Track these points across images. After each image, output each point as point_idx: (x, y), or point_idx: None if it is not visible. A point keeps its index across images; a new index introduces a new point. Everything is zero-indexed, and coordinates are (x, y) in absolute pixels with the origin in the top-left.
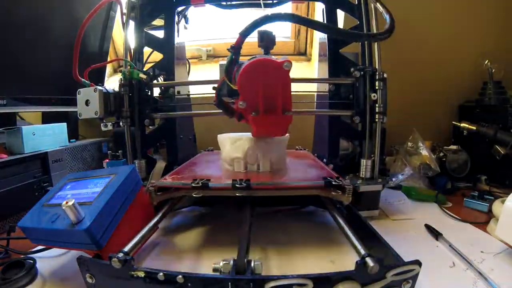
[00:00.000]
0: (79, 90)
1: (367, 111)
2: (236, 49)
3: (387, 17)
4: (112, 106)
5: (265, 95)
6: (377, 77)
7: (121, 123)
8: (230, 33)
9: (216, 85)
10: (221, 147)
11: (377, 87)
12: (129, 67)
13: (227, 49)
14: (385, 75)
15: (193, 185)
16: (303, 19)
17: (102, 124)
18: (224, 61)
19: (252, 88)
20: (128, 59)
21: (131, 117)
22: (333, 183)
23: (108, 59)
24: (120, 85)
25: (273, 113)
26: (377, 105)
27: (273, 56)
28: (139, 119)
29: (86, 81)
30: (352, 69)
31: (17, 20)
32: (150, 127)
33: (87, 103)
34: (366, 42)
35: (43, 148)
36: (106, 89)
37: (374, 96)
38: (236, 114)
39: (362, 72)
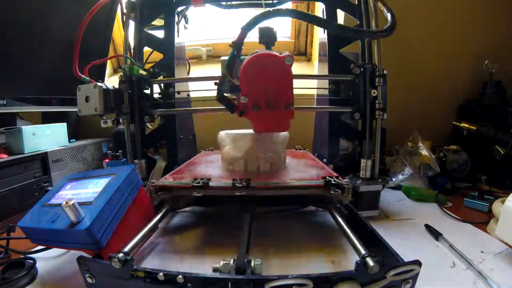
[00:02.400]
0: (79, 86)
1: (367, 108)
2: (237, 44)
3: (388, 15)
4: (112, 103)
5: (267, 90)
6: (377, 74)
7: (120, 120)
8: (230, 33)
9: (217, 81)
10: (220, 147)
11: (377, 84)
12: (129, 62)
13: (229, 45)
14: (385, 72)
15: (194, 184)
16: (304, 14)
17: (102, 121)
18: (225, 57)
19: (253, 83)
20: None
21: (131, 113)
22: (333, 182)
23: (108, 62)
24: (120, 82)
25: (275, 108)
26: (377, 101)
27: (283, 54)
28: (139, 115)
29: (86, 78)
30: (352, 65)
31: (17, 20)
32: (150, 126)
33: (87, 99)
34: (366, 39)
35: (43, 148)
36: (106, 86)
37: (374, 93)
38: (237, 109)
39: (362, 69)
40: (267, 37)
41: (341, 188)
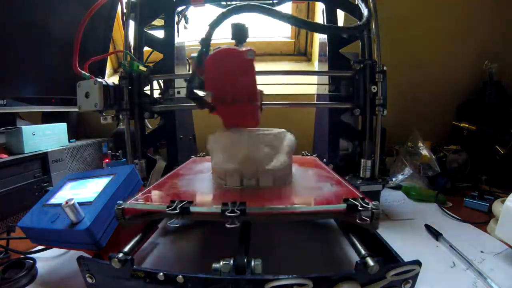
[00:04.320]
0: (79, 82)
1: (367, 104)
2: (205, 41)
3: (365, 11)
4: (112, 99)
5: (231, 85)
6: (376, 70)
7: (120, 116)
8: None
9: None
10: (211, 154)
11: (376, 80)
12: (129, 58)
13: (198, 42)
14: (384, 68)
15: (168, 211)
16: (268, 10)
17: (101, 117)
18: (195, 54)
19: (217, 78)
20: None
21: (130, 109)
22: (359, 208)
23: (108, 59)
24: (120, 78)
25: (240, 103)
26: (377, 97)
27: (244, 48)
28: (139, 112)
29: (86, 74)
30: (352, 61)
31: (17, 20)
32: (150, 126)
33: (86, 95)
34: (365, 38)
35: (43, 148)
36: (106, 82)
37: (374, 89)
38: (208, 105)
39: (362, 65)
40: (238, 33)
41: (368, 213)
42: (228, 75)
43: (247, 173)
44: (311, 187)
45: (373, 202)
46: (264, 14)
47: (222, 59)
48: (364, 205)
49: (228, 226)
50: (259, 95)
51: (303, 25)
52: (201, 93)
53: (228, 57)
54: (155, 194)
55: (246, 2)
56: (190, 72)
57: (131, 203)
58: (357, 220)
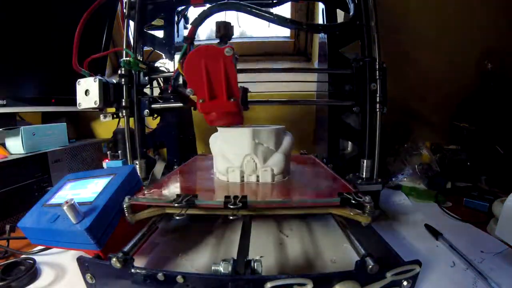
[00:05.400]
0: (78, 80)
1: (367, 101)
2: (189, 39)
3: (351, 6)
4: (112, 96)
5: (209, 82)
6: (376, 67)
7: (120, 114)
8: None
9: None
10: (212, 152)
11: (376, 77)
12: (129, 56)
13: (181, 40)
14: (384, 65)
15: (176, 204)
16: (248, 7)
17: (101, 115)
18: (179, 53)
19: (197, 75)
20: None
21: (130, 107)
22: (352, 201)
23: (108, 59)
24: (120, 75)
25: (219, 99)
26: (377, 94)
27: (227, 46)
28: (138, 109)
29: (86, 71)
30: (352, 59)
31: (17, 20)
32: (150, 126)
33: (86, 93)
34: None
35: (43, 148)
36: (106, 80)
37: (373, 86)
38: (191, 103)
39: (361, 62)
40: (223, 31)
41: (360, 206)
42: (207, 72)
43: (247, 170)
44: (308, 183)
45: (366, 197)
46: (246, 13)
47: (201, 56)
48: (357, 198)
49: (231, 218)
50: (240, 92)
51: (290, 24)
52: (185, 90)
53: (206, 55)
54: (161, 189)
55: (233, 1)
56: (174, 69)
57: (138, 198)
58: (350, 213)
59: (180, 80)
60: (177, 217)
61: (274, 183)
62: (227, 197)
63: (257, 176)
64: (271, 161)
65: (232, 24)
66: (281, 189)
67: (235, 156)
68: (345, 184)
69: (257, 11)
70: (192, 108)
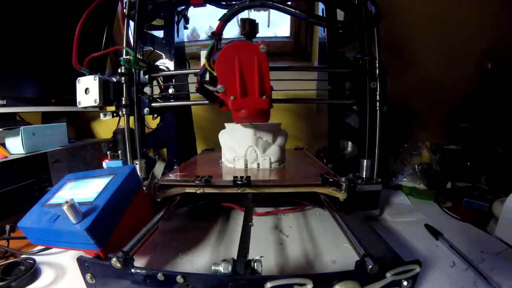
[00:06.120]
0: (78, 78)
1: (367, 100)
2: (217, 35)
3: (372, 7)
4: (112, 95)
5: (242, 79)
6: (376, 65)
7: (120, 113)
8: (230, 33)
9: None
10: (222, 145)
11: (376, 75)
12: (129, 54)
13: (208, 36)
14: (384, 64)
15: (197, 182)
16: (279, 5)
17: (101, 114)
18: (205, 49)
19: (229, 71)
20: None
21: (130, 106)
22: (330, 180)
23: (108, 59)
24: (120, 74)
25: (251, 97)
26: (377, 93)
27: (262, 42)
28: (138, 108)
29: (86, 69)
30: (352, 58)
31: (17, 20)
32: (150, 126)
33: (86, 91)
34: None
35: (43, 148)
36: (106, 78)
37: (373, 84)
38: (218, 100)
39: (361, 61)
40: (249, 28)
41: (338, 185)
42: (241, 69)
43: (250, 158)
44: (299, 169)
45: (342, 178)
46: (275, 10)
47: (235, 52)
48: (334, 178)
49: (239, 191)
50: (271, 89)
51: (318, 21)
52: (211, 87)
53: (241, 51)
54: (180, 174)
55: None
56: (201, 66)
57: (166, 178)
58: (330, 189)
59: (207, 77)
60: (198, 192)
61: (272, 169)
62: (235, 177)
63: (258, 164)
64: (269, 151)
65: (257, 22)
66: (277, 173)
67: (240, 147)
68: (327, 169)
69: (289, 8)
70: (218, 105)
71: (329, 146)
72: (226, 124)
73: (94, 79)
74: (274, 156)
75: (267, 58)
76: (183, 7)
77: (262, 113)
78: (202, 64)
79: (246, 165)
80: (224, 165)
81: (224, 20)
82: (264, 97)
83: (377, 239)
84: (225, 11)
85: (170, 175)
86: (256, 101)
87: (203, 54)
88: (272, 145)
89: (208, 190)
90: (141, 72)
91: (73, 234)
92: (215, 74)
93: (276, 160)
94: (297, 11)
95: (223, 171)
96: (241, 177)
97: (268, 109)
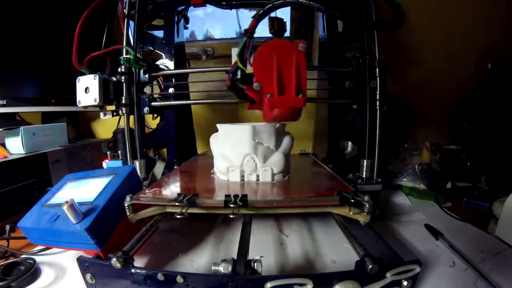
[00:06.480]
0: (78, 77)
1: (367, 99)
2: (250, 33)
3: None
4: (112, 94)
5: (280, 77)
6: (376, 64)
7: (120, 112)
8: (230, 33)
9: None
10: (213, 152)
11: (376, 74)
12: (129, 53)
13: (241, 33)
14: (384, 63)
15: (177, 203)
16: (309, 3)
17: (101, 113)
18: (237, 47)
19: (267, 69)
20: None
21: (130, 105)
22: (351, 200)
23: (108, 60)
24: (120, 73)
25: (287, 95)
26: (377, 92)
27: (301, 41)
28: (138, 107)
29: (86, 69)
30: (352, 57)
31: (17, 20)
32: (150, 126)
33: (86, 90)
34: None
35: (43, 148)
36: (106, 77)
37: (373, 83)
38: (249, 98)
39: (361, 60)
40: (278, 27)
41: (359, 205)
42: (279, 67)
43: (247, 169)
44: (308, 182)
45: (364, 196)
46: (315, 9)
47: (274, 50)
48: (356, 198)
49: (232, 216)
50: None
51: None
52: (244, 85)
53: (280, 49)
54: (162, 188)
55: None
56: (232, 63)
57: (140, 197)
58: (350, 212)
59: (239, 75)
60: (178, 216)
61: (274, 182)
62: (227, 196)
63: (257, 176)
64: (270, 160)
65: (284, 20)
66: (281, 188)
67: (235, 156)
68: (344, 184)
69: (321, 7)
70: (249, 103)
71: (329, 146)
72: (218, 126)
73: (94, 78)
74: (277, 166)
75: (305, 57)
76: (183, 7)
77: (294, 111)
78: (233, 61)
79: (242, 177)
80: (216, 177)
81: (257, 18)
82: (301, 95)
83: (377, 239)
84: (225, 11)
85: (147, 191)
86: (293, 99)
87: (234, 51)
88: (274, 152)
89: (192, 210)
90: (141, 71)
91: (73, 234)
92: (246, 71)
93: (279, 171)
94: (327, 9)
95: (215, 185)
96: (235, 196)
97: (302, 108)
